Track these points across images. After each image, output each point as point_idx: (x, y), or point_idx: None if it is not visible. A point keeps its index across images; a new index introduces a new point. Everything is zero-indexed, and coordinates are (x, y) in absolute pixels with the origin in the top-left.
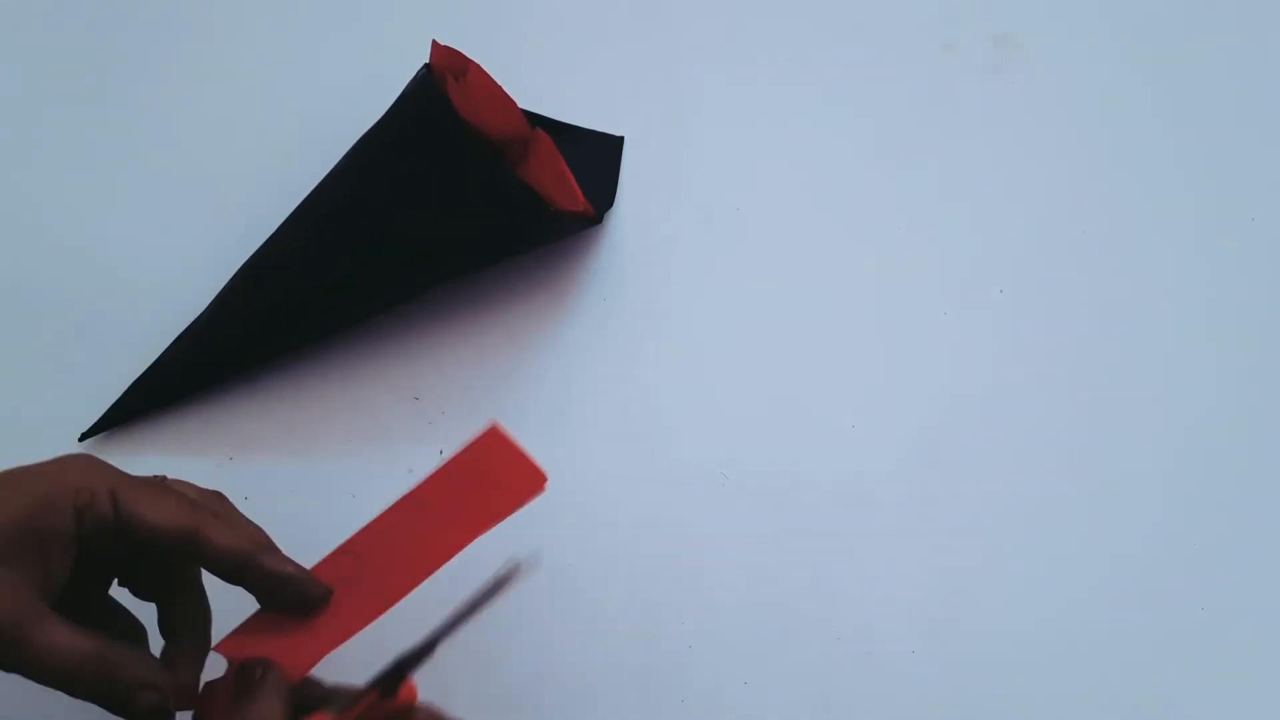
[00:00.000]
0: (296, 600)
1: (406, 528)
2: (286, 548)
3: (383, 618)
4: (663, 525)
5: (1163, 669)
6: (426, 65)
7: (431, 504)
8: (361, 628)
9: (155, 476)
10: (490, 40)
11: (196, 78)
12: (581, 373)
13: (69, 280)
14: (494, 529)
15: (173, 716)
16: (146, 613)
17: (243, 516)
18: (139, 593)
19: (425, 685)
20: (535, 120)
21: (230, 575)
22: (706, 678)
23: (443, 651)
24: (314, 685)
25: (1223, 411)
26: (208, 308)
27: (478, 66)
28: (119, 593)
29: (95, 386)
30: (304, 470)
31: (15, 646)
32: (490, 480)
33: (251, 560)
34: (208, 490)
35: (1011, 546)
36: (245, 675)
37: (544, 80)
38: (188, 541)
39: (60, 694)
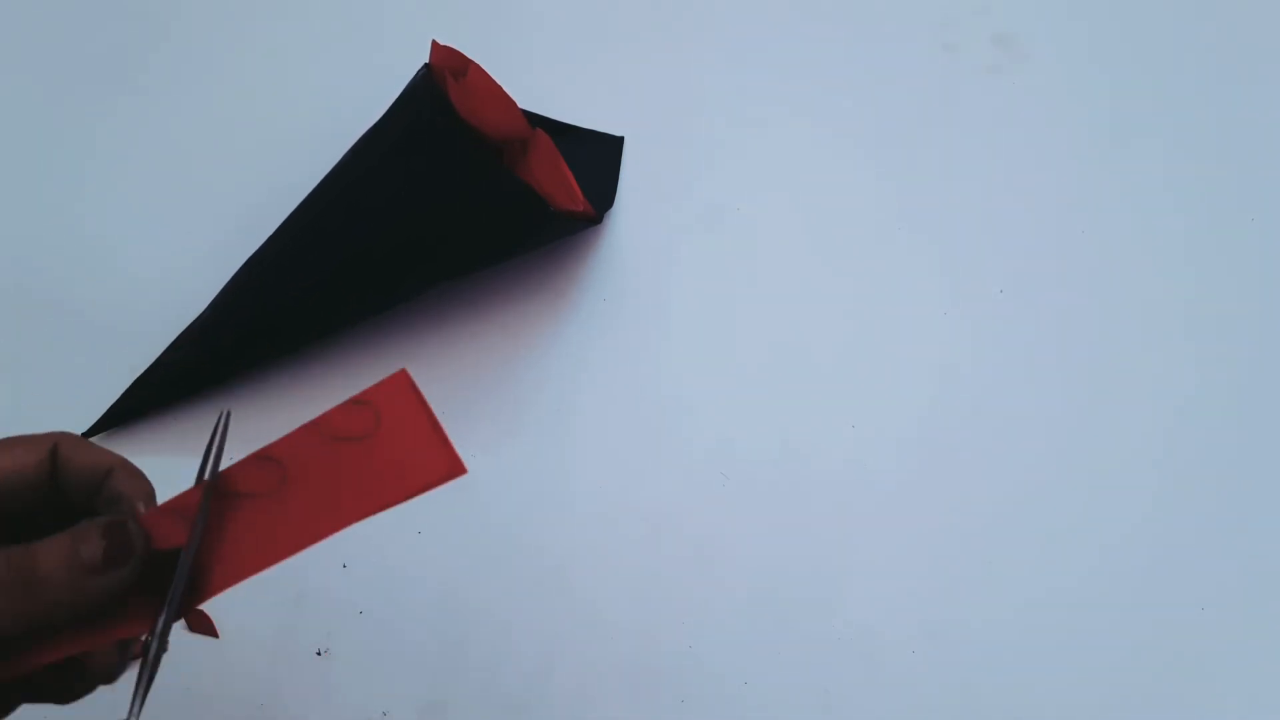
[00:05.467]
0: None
1: (329, 461)
2: None
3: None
4: (663, 525)
5: (1163, 669)
6: (426, 65)
7: (347, 445)
8: (287, 556)
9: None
10: (490, 40)
11: (197, 78)
12: (581, 373)
13: (69, 281)
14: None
15: (137, 539)
16: None
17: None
18: None
19: (427, 684)
20: (535, 120)
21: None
22: (706, 678)
23: (443, 650)
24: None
25: (1225, 412)
26: (208, 308)
27: (478, 66)
28: None
29: (95, 386)
30: None
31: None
32: (401, 447)
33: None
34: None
35: (1013, 547)
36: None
37: (544, 80)
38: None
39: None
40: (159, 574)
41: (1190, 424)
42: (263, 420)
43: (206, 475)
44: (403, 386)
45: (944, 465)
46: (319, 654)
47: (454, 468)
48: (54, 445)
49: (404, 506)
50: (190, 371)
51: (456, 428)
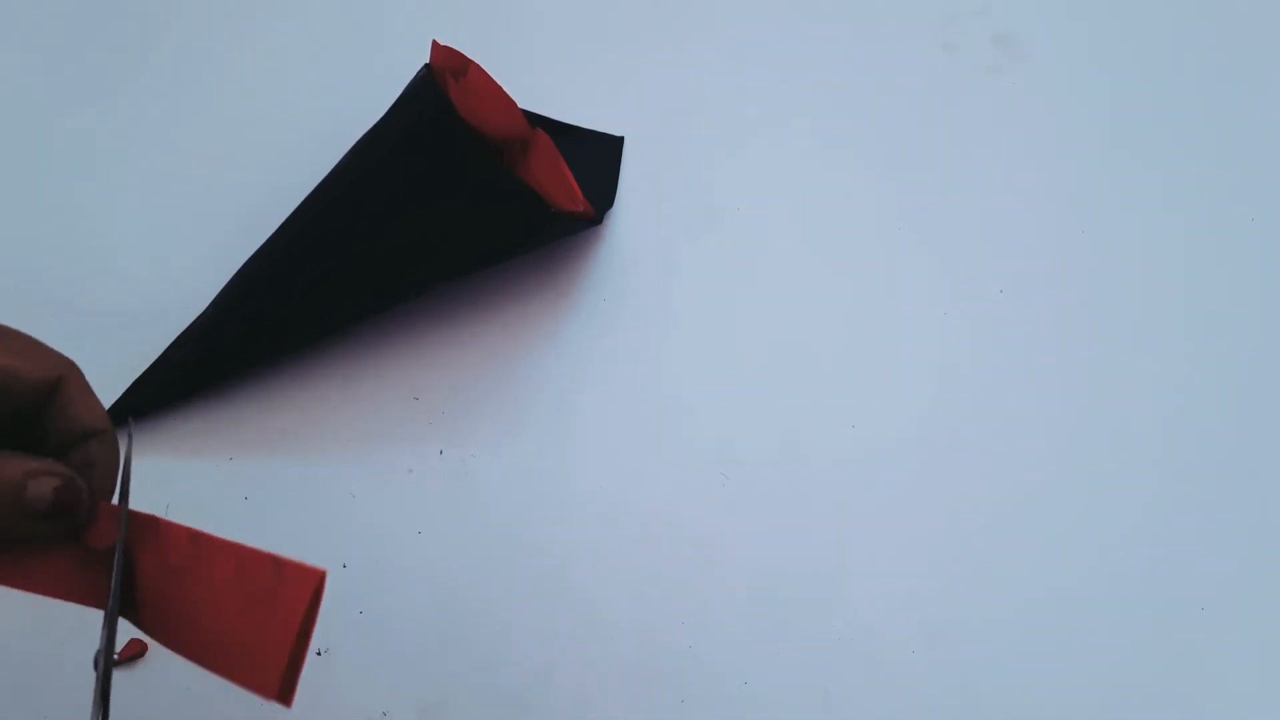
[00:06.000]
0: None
1: (223, 590)
2: (286, 547)
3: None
4: (663, 525)
5: (1163, 669)
6: (426, 65)
7: (244, 592)
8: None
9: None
10: (490, 40)
11: (198, 78)
12: (581, 373)
13: (69, 281)
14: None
15: (82, 508)
16: None
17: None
18: None
19: (426, 684)
20: (535, 120)
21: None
22: (706, 678)
23: (443, 650)
24: None
25: (1225, 412)
26: (208, 308)
27: (478, 66)
28: None
29: (95, 386)
30: (304, 470)
31: None
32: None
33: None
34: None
35: (1013, 547)
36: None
37: (544, 80)
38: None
39: (57, 693)
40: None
41: (1190, 424)
42: (262, 420)
43: (119, 493)
44: (308, 583)
45: (944, 465)
46: (319, 654)
47: (277, 694)
48: (60, 379)
49: (403, 505)
50: (192, 370)
51: (457, 427)
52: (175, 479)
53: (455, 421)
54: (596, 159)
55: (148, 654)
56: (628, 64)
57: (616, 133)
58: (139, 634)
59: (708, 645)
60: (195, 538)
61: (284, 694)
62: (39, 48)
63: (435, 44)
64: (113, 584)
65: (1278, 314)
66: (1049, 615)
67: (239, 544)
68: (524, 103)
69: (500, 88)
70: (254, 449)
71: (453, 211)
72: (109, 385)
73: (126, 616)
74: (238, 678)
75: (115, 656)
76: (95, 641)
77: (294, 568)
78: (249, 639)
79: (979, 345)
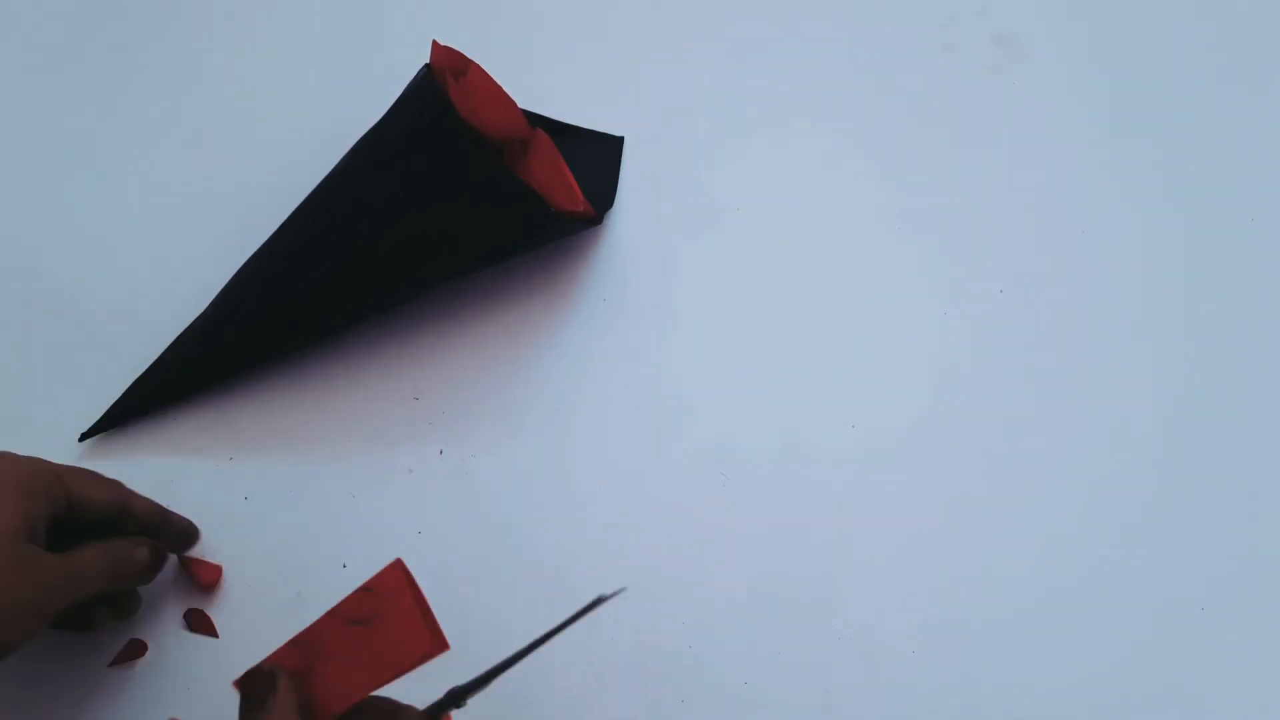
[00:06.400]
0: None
1: (345, 643)
2: (286, 547)
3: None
4: (663, 525)
5: (1163, 669)
6: (426, 65)
7: (358, 628)
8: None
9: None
10: (490, 40)
11: (198, 78)
12: (581, 373)
13: (69, 280)
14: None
15: (164, 561)
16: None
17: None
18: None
19: (427, 684)
20: (535, 120)
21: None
22: (706, 678)
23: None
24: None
25: (1225, 412)
26: (208, 308)
27: (478, 66)
28: None
29: (95, 386)
30: (304, 470)
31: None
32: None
33: (123, 505)
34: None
35: (1013, 547)
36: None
37: (544, 80)
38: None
39: (61, 697)
40: None
41: (1190, 424)
42: (262, 420)
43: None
44: (397, 575)
45: (944, 465)
46: None
47: (437, 646)
48: (122, 501)
49: (403, 505)
50: (192, 370)
51: (457, 427)
52: (175, 479)
53: (455, 421)
54: (596, 159)
55: (147, 654)
56: (628, 64)
57: (616, 133)
58: (139, 635)
59: (708, 645)
60: (300, 644)
61: (439, 642)
62: (39, 48)
63: (435, 44)
64: None
65: (1278, 314)
66: (1049, 615)
67: (325, 616)
68: (524, 103)
69: (500, 88)
70: (254, 449)
71: (453, 211)
72: (109, 385)
73: None
74: (403, 665)
75: (114, 658)
76: (99, 648)
77: (379, 579)
78: (390, 639)
79: (979, 345)
